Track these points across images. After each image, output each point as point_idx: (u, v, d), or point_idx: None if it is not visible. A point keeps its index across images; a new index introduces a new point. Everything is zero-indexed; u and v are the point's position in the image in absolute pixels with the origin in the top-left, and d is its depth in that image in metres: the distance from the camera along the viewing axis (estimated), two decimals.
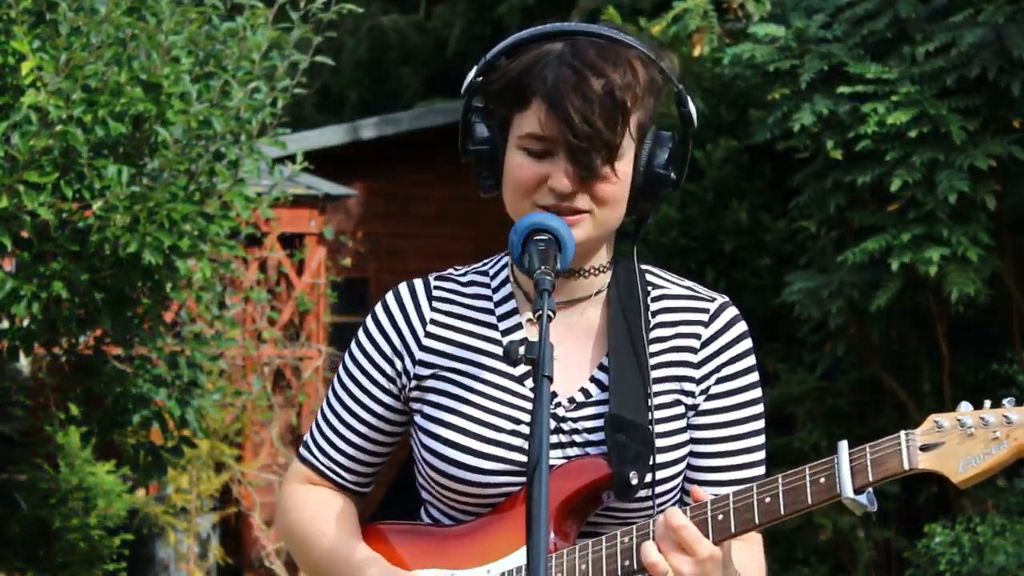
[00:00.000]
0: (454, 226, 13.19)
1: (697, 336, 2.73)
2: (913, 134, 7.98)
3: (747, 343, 2.75)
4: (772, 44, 8.45)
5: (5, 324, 7.40)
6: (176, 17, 7.04)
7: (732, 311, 2.76)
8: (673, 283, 2.78)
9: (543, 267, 2.54)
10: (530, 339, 2.68)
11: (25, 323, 7.23)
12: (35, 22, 6.91)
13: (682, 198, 10.31)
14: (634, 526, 2.61)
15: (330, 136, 13.72)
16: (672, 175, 2.69)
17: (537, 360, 2.43)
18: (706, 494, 2.58)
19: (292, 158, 7.90)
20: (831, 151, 8.28)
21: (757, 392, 2.75)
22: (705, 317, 2.74)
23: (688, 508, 2.58)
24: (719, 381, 2.72)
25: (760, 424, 2.75)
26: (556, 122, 2.58)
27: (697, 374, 2.72)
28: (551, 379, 2.44)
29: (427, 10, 17.13)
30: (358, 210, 13.21)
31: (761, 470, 2.74)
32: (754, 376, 2.75)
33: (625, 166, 2.64)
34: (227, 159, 7.12)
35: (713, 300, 2.76)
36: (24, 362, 9.29)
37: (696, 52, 9.17)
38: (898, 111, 8.01)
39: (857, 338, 9.03)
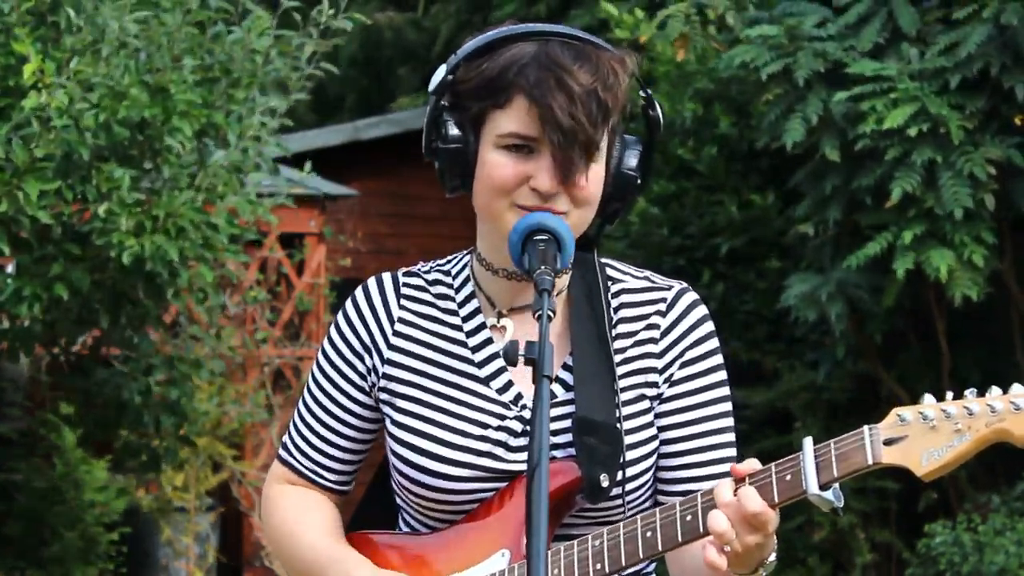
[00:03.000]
0: (454, 226, 13.17)
1: (656, 326, 2.72)
2: (912, 132, 7.96)
3: (708, 327, 2.74)
4: (764, 44, 8.44)
5: (5, 324, 7.40)
6: (188, 18, 7.03)
7: (690, 296, 2.75)
8: (631, 275, 2.78)
9: (543, 267, 2.54)
10: (495, 341, 2.70)
11: (25, 324, 7.22)
12: (37, 23, 6.90)
13: (677, 195, 10.28)
14: (604, 529, 2.60)
15: (330, 136, 13.71)
16: (639, 179, 2.69)
17: (537, 360, 2.43)
18: (745, 468, 2.55)
19: (295, 160, 7.90)
20: (828, 154, 8.26)
21: (721, 375, 2.74)
22: (663, 306, 2.73)
23: (659, 509, 2.57)
24: (682, 366, 2.71)
25: (727, 406, 2.74)
26: (540, 119, 2.57)
27: (659, 364, 2.71)
28: (551, 379, 2.44)
29: (424, 8, 17.11)
30: (358, 210, 13.20)
31: (731, 452, 2.73)
32: (717, 359, 2.74)
33: (600, 168, 2.64)
34: (230, 160, 7.11)
35: (670, 288, 2.75)
36: (23, 362, 9.28)
37: (679, 57, 9.17)
38: (897, 109, 7.99)
39: (856, 337, 9.02)
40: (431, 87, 2.68)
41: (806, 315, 8.60)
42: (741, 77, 8.98)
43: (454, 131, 2.65)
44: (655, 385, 2.70)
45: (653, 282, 2.76)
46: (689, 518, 2.55)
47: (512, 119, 2.60)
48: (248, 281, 10.84)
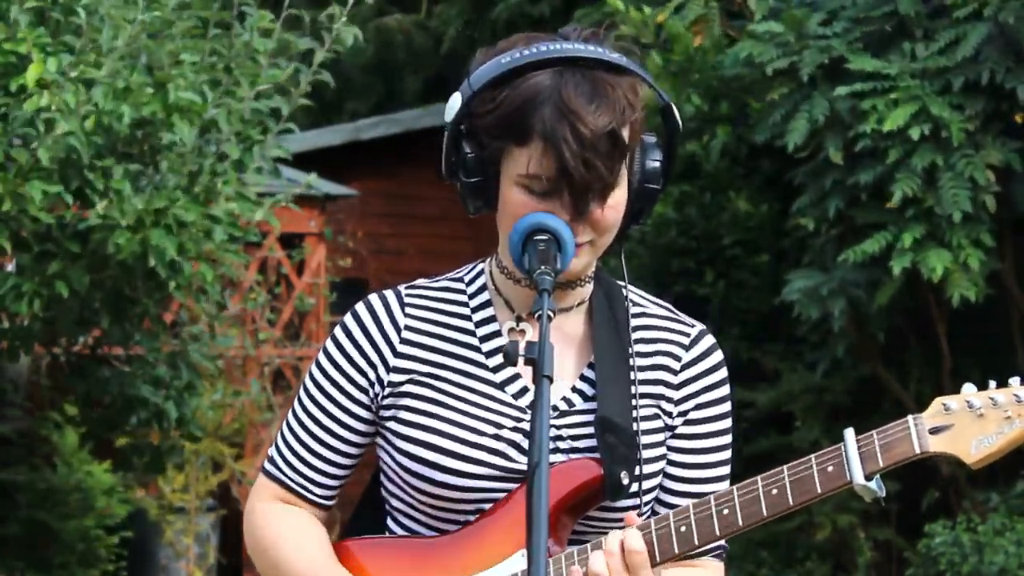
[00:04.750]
0: (454, 226, 13.19)
1: (677, 358, 2.73)
2: (914, 134, 7.96)
3: (724, 372, 2.76)
4: (771, 41, 8.44)
5: (5, 324, 7.40)
6: (186, 21, 7.04)
7: (710, 339, 2.77)
8: (652, 303, 2.79)
9: (543, 267, 2.53)
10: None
11: (25, 323, 7.23)
12: (38, 23, 6.91)
13: (679, 197, 10.29)
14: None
15: (330, 136, 13.73)
16: (659, 185, 2.68)
17: (537, 360, 2.43)
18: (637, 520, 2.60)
19: (297, 162, 7.91)
20: (832, 155, 8.26)
21: (730, 421, 2.77)
22: (685, 340, 2.74)
23: (693, 504, 2.59)
24: (698, 407, 2.73)
25: (729, 453, 2.77)
26: (554, 164, 2.55)
27: (676, 395, 2.72)
28: (551, 379, 2.43)
29: (428, 10, 17.12)
30: (358, 210, 13.21)
31: (726, 485, 2.76)
32: (729, 405, 2.77)
33: (621, 192, 2.63)
34: (231, 159, 7.12)
35: (693, 326, 2.77)
36: (23, 362, 9.30)
37: (697, 42, 9.13)
38: (898, 108, 7.99)
39: (857, 337, 9.02)
40: (447, 115, 2.64)
41: (809, 312, 8.60)
42: (744, 75, 8.97)
43: (474, 163, 2.62)
44: (669, 414, 2.72)
45: (675, 315, 2.78)
46: (683, 529, 2.59)
47: (531, 160, 2.57)
48: (248, 281, 10.85)
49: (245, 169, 7.24)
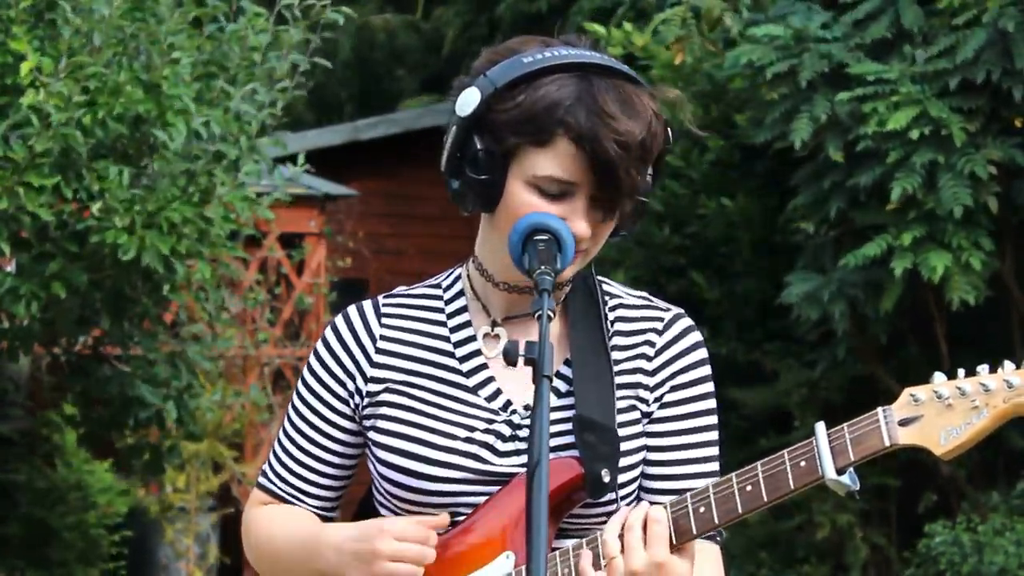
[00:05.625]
0: (454, 226, 13.15)
1: (651, 344, 2.71)
2: (915, 135, 7.97)
3: (701, 352, 2.73)
4: (770, 44, 8.45)
5: (5, 324, 7.41)
6: (178, 19, 7.05)
7: (686, 321, 2.74)
8: (628, 294, 2.78)
9: (543, 267, 2.53)
10: (484, 351, 2.70)
11: (25, 323, 7.23)
12: (35, 22, 6.92)
13: (673, 196, 10.26)
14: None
15: (330, 136, 13.73)
16: (647, 200, 2.68)
17: (537, 360, 2.43)
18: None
19: (293, 159, 7.91)
20: (832, 153, 8.27)
21: (711, 403, 2.74)
22: (659, 325, 2.72)
23: (670, 502, 2.57)
24: (673, 389, 2.71)
25: (714, 435, 2.73)
26: (589, 169, 2.54)
27: (651, 381, 2.70)
28: (551, 378, 2.44)
29: (424, 10, 17.12)
30: (358, 210, 13.21)
31: (713, 468, 2.73)
32: (709, 386, 2.73)
33: None
34: (227, 159, 7.13)
35: (668, 310, 2.75)
36: (24, 362, 9.30)
37: (677, 61, 9.16)
38: (899, 111, 8.00)
39: (856, 338, 9.02)
40: (462, 109, 2.59)
41: (809, 314, 8.59)
42: (744, 76, 8.97)
43: (485, 160, 2.59)
44: (646, 402, 2.70)
45: (651, 302, 2.76)
46: (703, 510, 2.56)
47: (553, 162, 2.56)
48: (248, 281, 10.85)
49: (241, 168, 7.24)
